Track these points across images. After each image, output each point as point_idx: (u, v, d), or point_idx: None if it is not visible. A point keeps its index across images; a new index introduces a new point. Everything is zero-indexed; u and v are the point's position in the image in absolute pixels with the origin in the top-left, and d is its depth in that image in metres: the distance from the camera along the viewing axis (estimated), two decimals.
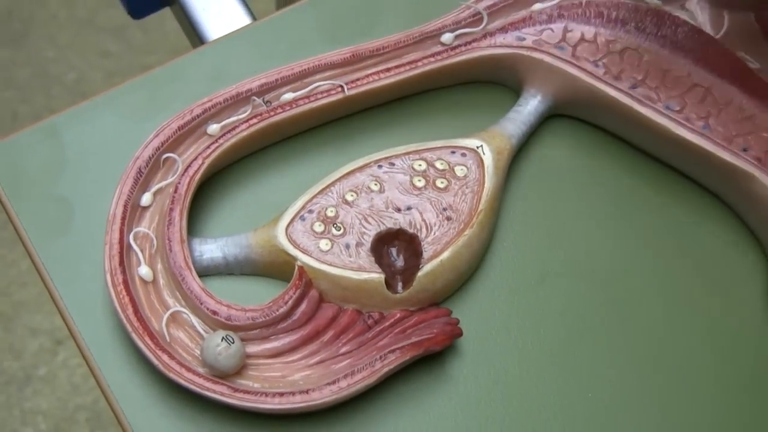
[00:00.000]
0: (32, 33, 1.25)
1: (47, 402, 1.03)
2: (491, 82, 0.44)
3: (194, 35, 0.48)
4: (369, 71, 0.42)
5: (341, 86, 0.40)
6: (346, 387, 0.36)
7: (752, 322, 0.40)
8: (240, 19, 0.48)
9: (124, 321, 0.36)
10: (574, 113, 0.43)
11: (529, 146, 0.43)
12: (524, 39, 0.42)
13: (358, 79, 0.41)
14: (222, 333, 0.36)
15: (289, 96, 0.41)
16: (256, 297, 0.38)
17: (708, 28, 0.42)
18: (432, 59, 0.42)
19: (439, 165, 0.39)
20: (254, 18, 0.47)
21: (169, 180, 0.39)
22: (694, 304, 0.40)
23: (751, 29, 0.41)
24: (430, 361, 0.38)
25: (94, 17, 1.27)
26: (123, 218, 0.38)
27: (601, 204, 0.42)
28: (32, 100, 1.19)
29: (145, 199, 0.39)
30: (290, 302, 0.37)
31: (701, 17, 0.43)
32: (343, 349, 0.37)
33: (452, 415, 0.37)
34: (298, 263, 0.37)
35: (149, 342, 0.36)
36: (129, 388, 0.37)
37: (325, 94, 0.41)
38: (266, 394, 0.35)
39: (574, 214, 0.41)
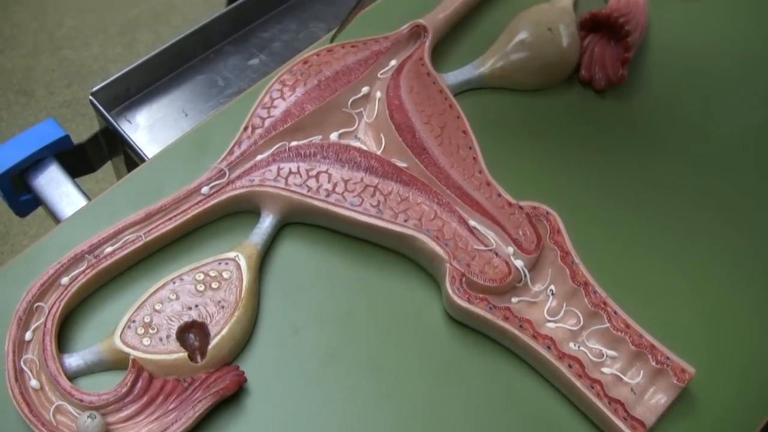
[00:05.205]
0: None
1: None
2: (242, 212, 0.62)
3: (56, 219, 0.68)
4: (158, 222, 0.59)
5: (141, 236, 0.59)
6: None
7: (436, 331, 0.59)
8: (80, 203, 0.68)
9: (23, 417, 0.53)
10: (298, 220, 0.61)
11: (275, 248, 0.61)
12: (254, 180, 0.60)
13: (151, 229, 0.59)
14: (87, 413, 0.53)
15: (109, 249, 0.58)
16: (110, 383, 0.55)
17: (372, 148, 0.62)
18: (197, 206, 0.59)
19: (212, 273, 0.58)
20: (89, 199, 0.67)
21: (41, 320, 0.56)
22: (398, 328, 0.58)
23: (399, 144, 0.61)
24: (229, 402, 0.55)
25: None
26: (14, 351, 0.55)
27: (326, 276, 0.60)
28: None
29: (28, 335, 0.55)
30: (128, 383, 0.54)
31: (368, 142, 0.62)
32: (171, 406, 0.54)
33: None
34: (131, 357, 0.54)
35: (42, 428, 0.53)
36: None
37: (131, 243, 0.58)
38: None
39: (309, 285, 0.60)
